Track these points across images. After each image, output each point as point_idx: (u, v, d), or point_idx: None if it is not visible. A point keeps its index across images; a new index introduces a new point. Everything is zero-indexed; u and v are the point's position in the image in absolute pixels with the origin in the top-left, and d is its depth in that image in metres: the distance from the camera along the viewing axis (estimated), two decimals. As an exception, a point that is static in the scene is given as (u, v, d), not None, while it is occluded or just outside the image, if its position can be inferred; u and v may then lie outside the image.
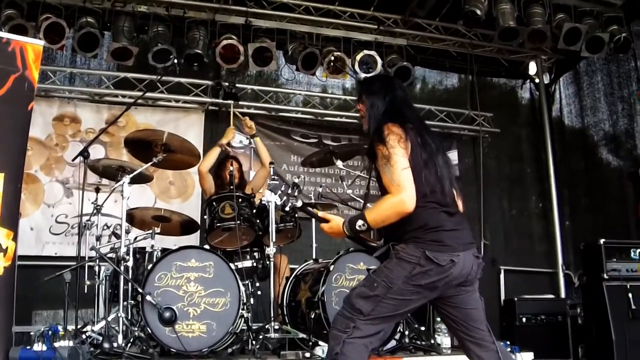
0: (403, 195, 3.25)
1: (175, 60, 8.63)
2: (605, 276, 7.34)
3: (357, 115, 9.78)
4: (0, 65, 4.88)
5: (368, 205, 3.90)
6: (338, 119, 10.23)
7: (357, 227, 3.41)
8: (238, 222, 5.99)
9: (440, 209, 3.37)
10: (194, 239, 7.62)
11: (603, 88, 10.32)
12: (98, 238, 6.44)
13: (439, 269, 3.25)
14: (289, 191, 3.72)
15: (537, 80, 11.01)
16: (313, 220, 6.78)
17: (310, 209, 3.75)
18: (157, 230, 6.07)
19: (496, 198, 10.63)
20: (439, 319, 5.85)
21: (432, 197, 3.36)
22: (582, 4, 8.92)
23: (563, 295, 9.68)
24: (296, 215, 6.31)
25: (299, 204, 3.72)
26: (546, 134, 10.68)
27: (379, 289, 3.30)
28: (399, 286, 3.27)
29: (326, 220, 3.61)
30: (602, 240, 7.49)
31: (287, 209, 3.74)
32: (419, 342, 6.02)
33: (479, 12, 8.30)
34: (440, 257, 3.24)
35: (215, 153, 7.11)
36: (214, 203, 6.24)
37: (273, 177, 6.17)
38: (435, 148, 3.46)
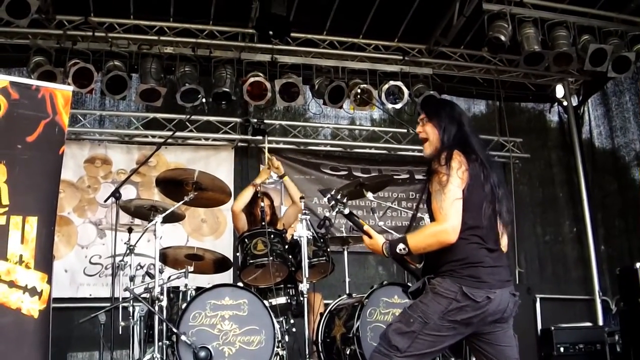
0: (447, 225, 3.23)
1: (204, 99, 8.73)
2: (643, 301, 7.22)
3: (386, 146, 9.89)
4: (30, 111, 4.93)
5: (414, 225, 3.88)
6: (367, 150, 10.24)
7: (398, 251, 3.40)
8: (271, 258, 5.96)
9: (482, 245, 3.34)
10: (227, 276, 7.61)
11: (632, 107, 10.19)
12: (132, 278, 6.48)
13: (475, 305, 3.22)
14: (338, 197, 3.74)
15: (565, 103, 10.95)
16: (346, 253, 6.77)
17: (356, 218, 3.71)
18: (191, 269, 6.05)
19: (529, 224, 10.54)
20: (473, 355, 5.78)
21: (478, 231, 3.34)
22: (607, 24, 8.86)
23: (601, 322, 9.52)
24: (329, 249, 6.29)
25: (347, 211, 3.71)
26: (577, 156, 10.60)
27: (415, 324, 3.27)
28: (435, 322, 3.24)
29: (369, 235, 3.60)
30: (638, 264, 7.37)
31: (334, 212, 3.75)
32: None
33: (503, 37, 8.28)
34: (477, 294, 3.22)
35: (249, 193, 7.06)
36: (246, 240, 6.21)
37: (304, 211, 6.13)
38: (496, 182, 3.44)
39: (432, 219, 3.38)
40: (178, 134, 8.87)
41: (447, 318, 3.24)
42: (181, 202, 5.95)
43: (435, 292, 3.29)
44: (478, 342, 3.42)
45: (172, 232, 8.01)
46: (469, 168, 3.35)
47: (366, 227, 3.64)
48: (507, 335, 3.41)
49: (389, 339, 3.32)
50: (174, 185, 6.01)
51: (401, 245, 3.38)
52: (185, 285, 5.99)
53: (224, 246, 8.57)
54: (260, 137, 9.25)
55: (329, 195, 3.78)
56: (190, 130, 9.30)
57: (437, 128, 3.59)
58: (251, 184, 7.16)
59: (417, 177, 10.00)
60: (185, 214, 6.83)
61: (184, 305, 5.52)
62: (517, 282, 9.19)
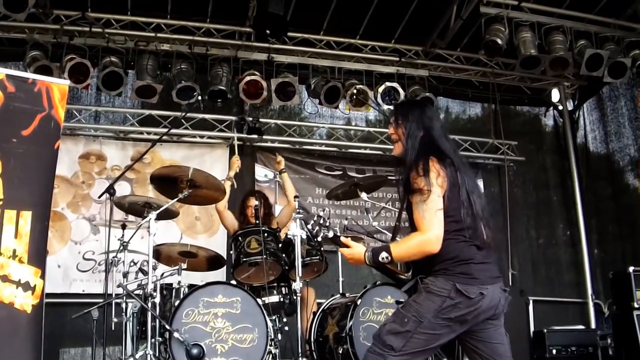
0: (431, 235, 3.26)
1: (199, 97, 8.70)
2: (636, 305, 7.24)
3: (381, 146, 9.90)
4: (26, 105, 4.93)
5: (398, 237, 3.88)
6: (362, 151, 10.23)
7: (380, 259, 3.40)
8: (264, 256, 5.97)
9: (471, 243, 3.36)
10: (220, 274, 7.61)
11: (627, 113, 10.22)
12: (125, 275, 6.46)
13: (469, 301, 3.23)
14: (321, 221, 3.73)
15: (560, 107, 10.99)
16: (339, 254, 6.75)
17: (339, 239, 3.71)
18: (184, 266, 6.03)
19: (523, 227, 10.55)
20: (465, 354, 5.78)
21: (464, 231, 3.36)
22: (603, 29, 8.89)
23: (593, 325, 9.55)
24: (322, 248, 6.29)
25: (331, 234, 3.71)
26: (571, 160, 10.63)
27: (409, 324, 3.28)
28: (429, 320, 3.25)
29: (347, 246, 3.61)
30: (631, 268, 7.40)
31: (319, 238, 3.75)
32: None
33: (499, 41, 8.30)
34: (470, 290, 3.23)
35: (226, 188, 7.10)
36: (240, 238, 6.23)
37: (298, 210, 6.12)
38: (471, 185, 3.46)
39: (413, 228, 3.39)
40: (173, 131, 8.88)
41: (441, 316, 3.25)
42: (175, 200, 5.93)
43: (429, 290, 3.30)
44: (471, 341, 3.43)
45: (165, 229, 8.00)
46: (446, 174, 3.38)
47: (343, 239, 3.66)
48: (499, 332, 3.42)
49: (383, 340, 3.32)
50: (169, 182, 5.99)
51: (384, 254, 3.39)
52: (179, 283, 5.99)
53: (218, 244, 8.53)
54: (255, 136, 9.27)
55: (312, 222, 3.77)
56: (186, 128, 9.29)
57: (405, 130, 3.63)
58: (226, 178, 7.16)
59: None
60: (179, 212, 6.81)
61: (177, 302, 5.52)
62: (510, 284, 9.20)
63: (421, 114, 3.67)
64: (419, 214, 3.31)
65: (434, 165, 3.36)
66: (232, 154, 8.05)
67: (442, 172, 3.36)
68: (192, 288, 5.64)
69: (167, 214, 6.20)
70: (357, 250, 3.56)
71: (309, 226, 3.77)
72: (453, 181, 3.39)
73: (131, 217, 6.96)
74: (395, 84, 9.43)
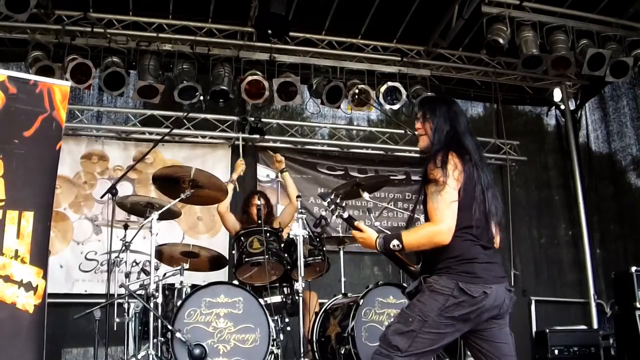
0: (443, 226, 3.28)
1: (201, 97, 8.68)
2: (638, 305, 7.24)
3: (383, 146, 9.90)
4: (28, 106, 4.94)
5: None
6: (364, 151, 10.21)
7: (391, 246, 3.43)
8: (266, 256, 5.96)
9: (476, 242, 3.38)
10: (222, 274, 7.62)
11: (629, 112, 10.21)
12: (127, 275, 6.45)
13: (472, 300, 3.24)
14: (337, 201, 3.76)
15: (562, 107, 10.96)
16: (341, 253, 6.77)
17: (353, 220, 3.72)
18: (186, 266, 6.05)
19: (525, 227, 10.54)
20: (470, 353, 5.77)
21: (472, 230, 3.37)
22: (605, 29, 8.88)
23: (595, 325, 9.52)
24: (324, 248, 6.29)
25: (346, 215, 3.74)
26: (573, 160, 10.61)
27: (414, 323, 3.29)
28: (433, 319, 3.27)
29: (360, 230, 3.63)
30: (633, 268, 7.41)
31: (334, 216, 3.77)
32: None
33: (501, 40, 8.29)
34: (473, 289, 3.25)
35: (229, 190, 7.11)
36: (242, 238, 6.22)
37: (300, 210, 6.12)
38: (487, 183, 3.47)
39: (428, 219, 3.41)
40: (175, 131, 8.85)
41: (445, 315, 3.26)
42: (177, 200, 5.92)
43: (432, 289, 3.32)
44: (475, 339, 3.45)
45: (168, 229, 7.97)
46: (464, 169, 3.39)
47: (356, 223, 3.67)
48: (504, 332, 3.44)
49: (389, 340, 3.33)
50: (171, 182, 5.99)
51: (395, 242, 3.41)
52: (181, 283, 5.99)
53: (220, 244, 8.54)
54: (257, 136, 9.27)
55: (328, 200, 3.80)
56: (188, 128, 9.28)
57: (431, 126, 3.65)
58: (229, 180, 7.18)
59: (414, 177, 10.00)
60: (181, 212, 6.80)
61: (179, 303, 5.52)
62: (513, 284, 9.18)
63: (448, 109, 3.70)
64: (433, 205, 3.33)
65: (453, 158, 3.38)
66: (237, 156, 8.06)
67: (459, 166, 3.38)
68: (195, 288, 5.64)
69: (169, 214, 6.20)
70: (368, 234, 3.60)
71: (326, 203, 3.80)
72: (469, 176, 3.40)
73: (133, 217, 6.98)
74: (397, 84, 9.43)
